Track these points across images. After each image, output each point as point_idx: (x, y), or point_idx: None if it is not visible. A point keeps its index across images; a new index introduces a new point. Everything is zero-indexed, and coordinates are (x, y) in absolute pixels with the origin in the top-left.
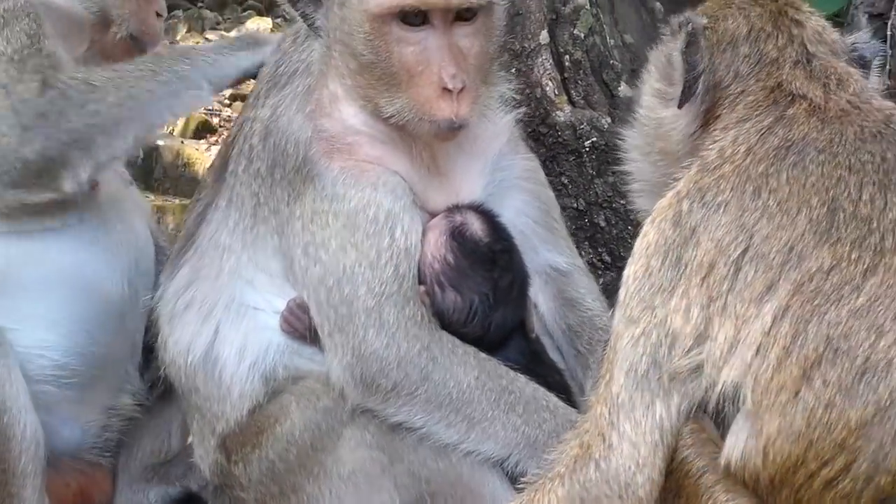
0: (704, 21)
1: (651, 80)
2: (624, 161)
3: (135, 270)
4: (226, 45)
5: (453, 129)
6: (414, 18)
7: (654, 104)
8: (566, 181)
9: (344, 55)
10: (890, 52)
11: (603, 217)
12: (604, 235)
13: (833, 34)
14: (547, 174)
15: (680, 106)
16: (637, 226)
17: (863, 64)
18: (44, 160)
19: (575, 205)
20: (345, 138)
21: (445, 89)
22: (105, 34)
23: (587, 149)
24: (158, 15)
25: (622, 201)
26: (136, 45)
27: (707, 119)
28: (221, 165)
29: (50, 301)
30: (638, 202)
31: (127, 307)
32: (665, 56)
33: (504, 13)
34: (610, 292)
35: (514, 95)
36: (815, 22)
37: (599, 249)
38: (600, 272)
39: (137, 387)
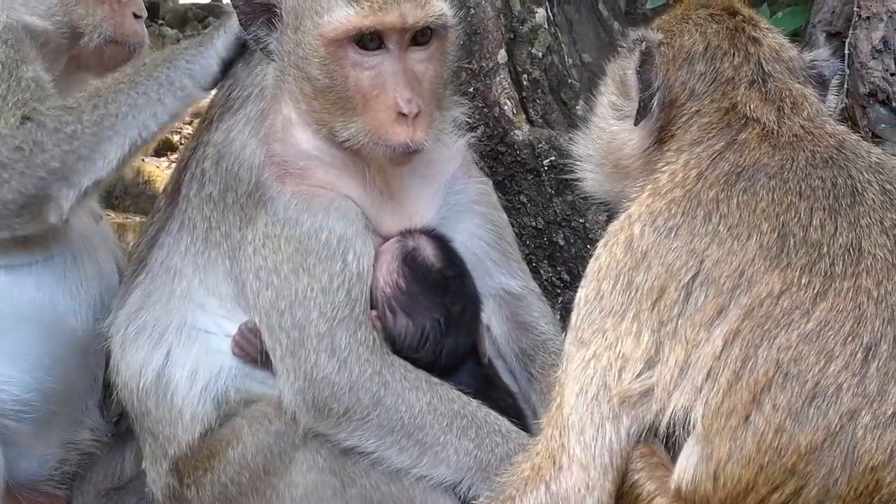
0: (660, 37)
1: (607, 93)
2: (575, 168)
3: (99, 305)
4: (204, 37)
5: (408, 154)
6: (369, 42)
7: (609, 117)
8: (525, 200)
9: (299, 79)
10: (847, 71)
11: (562, 236)
12: (563, 254)
13: (791, 51)
14: (505, 193)
15: (636, 123)
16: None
17: (821, 82)
18: (24, 198)
19: (534, 223)
20: (297, 163)
21: (401, 114)
22: (78, 46)
23: (546, 168)
24: (137, 16)
25: (581, 220)
26: (119, 49)
27: (661, 136)
28: (174, 189)
29: (13, 336)
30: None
31: (90, 342)
32: (621, 71)
33: (457, 38)
34: (569, 311)
35: (467, 119)
36: (773, 39)
37: (558, 268)
38: (559, 291)
39: (97, 421)
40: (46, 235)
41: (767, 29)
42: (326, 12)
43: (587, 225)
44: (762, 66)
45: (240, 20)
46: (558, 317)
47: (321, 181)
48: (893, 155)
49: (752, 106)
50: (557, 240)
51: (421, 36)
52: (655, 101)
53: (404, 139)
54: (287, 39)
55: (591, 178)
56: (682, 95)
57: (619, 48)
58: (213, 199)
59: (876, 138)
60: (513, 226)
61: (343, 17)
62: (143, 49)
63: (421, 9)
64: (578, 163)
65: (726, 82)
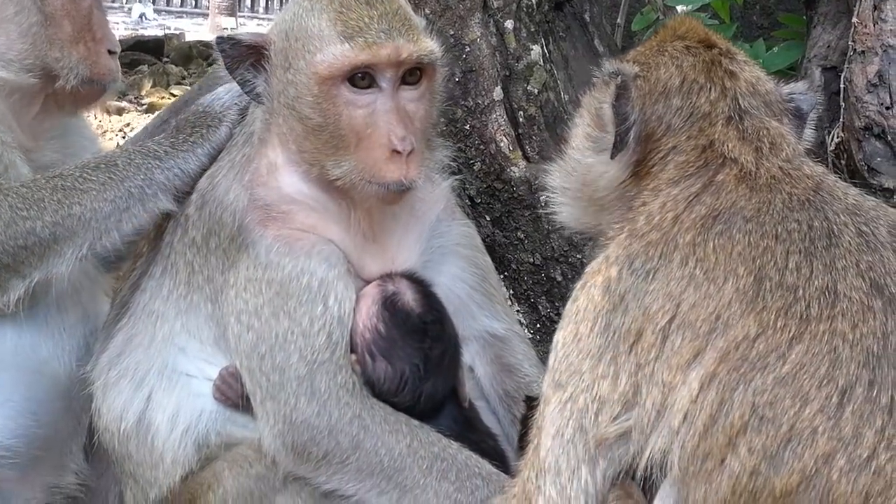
0: (636, 70)
1: (582, 125)
2: (550, 199)
3: (84, 349)
4: (185, 132)
5: (401, 191)
6: (361, 81)
7: (585, 149)
8: (522, 236)
9: (289, 119)
10: (843, 104)
11: (559, 271)
12: (560, 290)
13: (768, 84)
14: (503, 230)
15: (612, 157)
16: None
17: (798, 115)
18: None
19: (531, 259)
20: (280, 207)
21: (395, 151)
22: (54, 88)
23: (543, 204)
24: (111, 52)
25: (578, 255)
26: (93, 86)
27: (637, 170)
28: (156, 235)
29: None
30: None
31: (74, 387)
32: (596, 103)
33: (445, 79)
34: None
35: (451, 162)
36: (750, 73)
37: (556, 304)
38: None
39: (81, 465)
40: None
41: (744, 62)
42: (320, 51)
43: (584, 261)
44: (738, 102)
45: (226, 63)
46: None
47: (304, 225)
48: (887, 189)
49: (729, 146)
50: (555, 276)
51: (411, 75)
52: (632, 135)
53: (398, 177)
54: (277, 80)
55: (565, 210)
56: (659, 130)
57: (594, 80)
58: (197, 244)
59: (871, 172)
60: (511, 262)
61: (338, 54)
62: (116, 85)
63: (414, 44)
64: (553, 195)
65: (703, 118)
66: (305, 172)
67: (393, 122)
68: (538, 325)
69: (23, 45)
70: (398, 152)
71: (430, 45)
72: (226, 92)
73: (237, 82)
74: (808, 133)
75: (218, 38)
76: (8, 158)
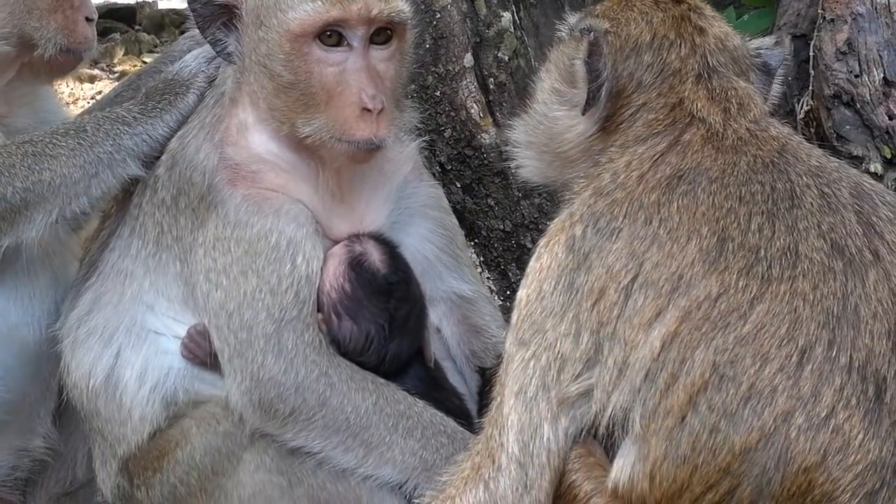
0: (606, 25)
1: (549, 80)
2: (514, 154)
3: (54, 314)
4: (154, 99)
5: (371, 149)
6: (331, 39)
7: (552, 103)
8: (492, 203)
9: (260, 77)
10: (812, 72)
11: (530, 238)
12: (530, 257)
13: (736, 40)
14: (473, 196)
15: (583, 113)
16: None
17: (766, 71)
18: None
19: (502, 226)
20: (249, 166)
21: (365, 109)
22: (31, 56)
23: (513, 171)
24: (89, 20)
25: (548, 223)
26: (69, 55)
27: (606, 125)
28: (125, 196)
29: None
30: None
31: (42, 352)
32: (566, 59)
33: (415, 40)
34: None
35: (418, 125)
36: (718, 28)
37: None
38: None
39: (49, 429)
40: None
41: (712, 16)
42: (291, 8)
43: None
44: (707, 60)
45: (197, 23)
46: None
47: (272, 184)
48: (856, 157)
49: (698, 104)
50: (525, 243)
51: (381, 35)
52: (604, 92)
53: (368, 135)
54: (248, 39)
55: (530, 164)
56: (630, 86)
57: (560, 34)
58: (166, 204)
59: (840, 139)
60: (481, 228)
61: (310, 10)
62: (91, 53)
63: (385, 3)
64: (517, 149)
65: (673, 74)
66: (275, 131)
67: (364, 80)
68: (508, 292)
69: (1, 14)
70: (368, 110)
71: (400, 5)
72: (193, 59)
73: (208, 41)
74: (776, 89)
75: None
76: None
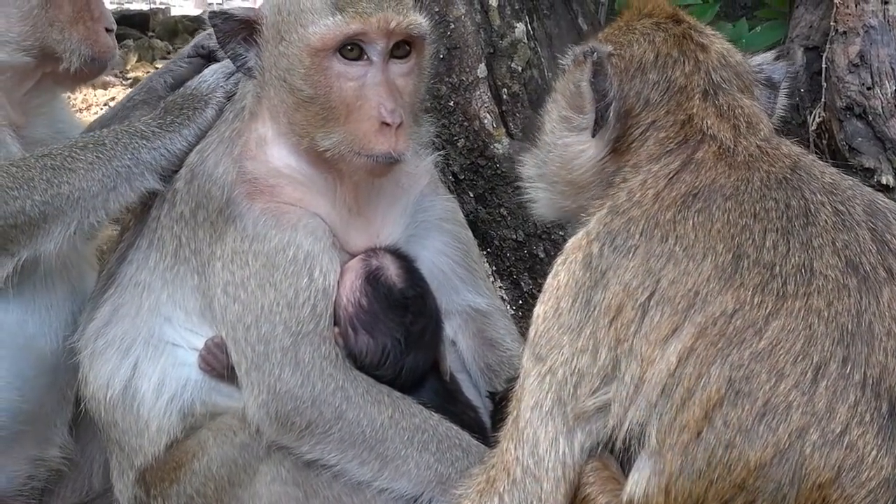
0: (609, 49)
1: (557, 109)
2: (525, 189)
3: (71, 325)
4: (172, 114)
5: (389, 163)
6: (352, 52)
7: (561, 131)
8: (505, 213)
9: (280, 92)
10: (825, 85)
11: (542, 248)
12: (543, 266)
13: (737, 56)
14: (486, 206)
15: (593, 134)
16: None
17: (771, 85)
18: None
19: (514, 236)
20: (267, 180)
21: (384, 124)
22: (56, 68)
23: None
24: (108, 30)
25: (561, 232)
26: (94, 65)
27: (617, 146)
28: (143, 210)
29: None
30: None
31: (59, 362)
32: (573, 84)
33: (433, 55)
34: None
35: (434, 139)
36: (720, 45)
37: (539, 280)
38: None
39: (65, 439)
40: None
41: (712, 34)
42: (312, 23)
43: (566, 237)
44: (711, 76)
45: (217, 38)
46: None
47: (290, 198)
48: (868, 169)
49: (708, 122)
50: (538, 252)
51: (401, 49)
52: (612, 112)
53: (387, 149)
54: (268, 54)
55: (543, 197)
56: (637, 105)
57: (562, 66)
58: (185, 218)
59: (852, 152)
60: (493, 238)
61: (330, 24)
62: (115, 61)
63: (403, 16)
64: (528, 184)
65: (679, 92)
66: (294, 145)
67: (383, 94)
68: (520, 302)
69: (23, 27)
70: (387, 124)
71: (419, 19)
72: (211, 74)
73: (228, 56)
74: (782, 102)
75: (210, 13)
76: (5, 135)
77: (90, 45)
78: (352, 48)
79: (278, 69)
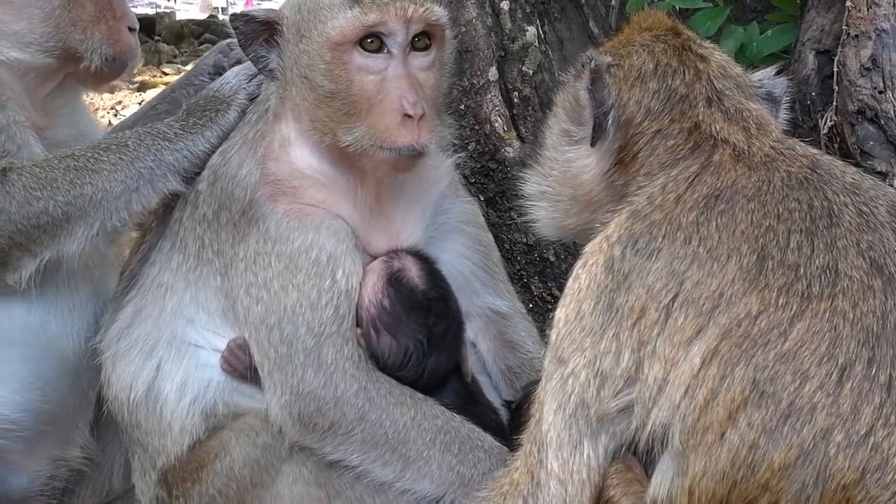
0: (609, 59)
1: (558, 123)
2: (527, 208)
3: (93, 326)
4: (195, 115)
5: (413, 156)
6: (372, 45)
7: (563, 145)
8: (515, 216)
9: (302, 90)
10: (836, 88)
11: (552, 252)
12: (553, 270)
13: (736, 69)
14: (496, 209)
15: (592, 143)
16: None
17: (771, 100)
18: None
19: (525, 239)
20: (290, 182)
21: (406, 116)
22: (78, 67)
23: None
24: (131, 29)
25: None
26: (115, 65)
27: (622, 157)
28: (165, 211)
29: (4, 358)
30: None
31: (81, 363)
32: (572, 96)
33: (452, 52)
34: None
35: (455, 140)
36: (719, 56)
37: (549, 284)
38: (550, 306)
39: (87, 440)
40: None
41: (712, 47)
42: (331, 18)
43: (577, 241)
44: (714, 84)
45: (239, 41)
46: (549, 331)
47: (313, 199)
48: (880, 173)
49: (717, 127)
50: (548, 256)
51: (421, 41)
52: (610, 119)
53: (409, 141)
54: (289, 53)
55: (545, 216)
56: (639, 114)
57: (561, 82)
58: (207, 219)
59: (864, 155)
60: (504, 242)
61: (349, 17)
62: (136, 61)
63: (422, 7)
64: (530, 202)
65: (681, 100)
66: (317, 145)
67: (404, 87)
68: (531, 305)
69: (45, 27)
70: (410, 116)
71: (437, 9)
72: (234, 76)
73: (250, 59)
74: (783, 116)
75: (231, 15)
76: (21, 138)
77: (112, 45)
78: (372, 40)
79: (299, 67)
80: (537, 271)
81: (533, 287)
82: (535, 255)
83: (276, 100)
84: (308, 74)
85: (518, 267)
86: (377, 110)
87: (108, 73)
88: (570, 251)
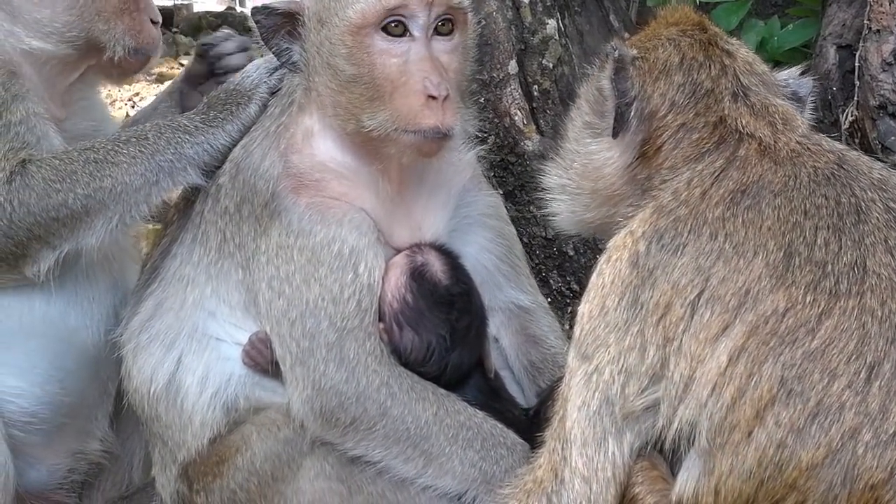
0: (634, 52)
1: (580, 115)
2: (547, 201)
3: (113, 318)
4: (216, 109)
5: (438, 138)
6: (394, 28)
7: (585, 138)
8: (535, 210)
9: (325, 77)
10: (857, 83)
11: (571, 246)
12: (572, 264)
13: (763, 66)
14: (515, 203)
15: (614, 135)
16: None
17: (796, 100)
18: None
19: (543, 234)
20: (313, 175)
21: (430, 97)
22: (100, 58)
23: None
24: (154, 21)
25: None
26: (138, 56)
27: (645, 150)
28: (186, 205)
29: (23, 350)
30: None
31: (101, 355)
32: (595, 88)
33: (475, 38)
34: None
35: (477, 133)
36: (745, 53)
37: (568, 278)
38: (569, 301)
39: (106, 433)
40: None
41: (738, 44)
42: (352, 3)
43: (597, 236)
44: (740, 79)
45: (261, 34)
46: (567, 326)
47: (335, 193)
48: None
49: (742, 121)
50: (567, 250)
51: (443, 26)
52: (633, 110)
53: (434, 122)
54: (311, 43)
55: (565, 209)
56: (663, 107)
57: (585, 74)
58: (229, 212)
59: (885, 150)
60: (523, 236)
61: (370, 0)
62: (158, 52)
63: None
64: (550, 195)
65: (707, 94)
66: (340, 136)
67: (427, 68)
68: (550, 300)
69: (69, 17)
70: (434, 97)
71: None
72: (255, 69)
73: (273, 52)
74: (808, 116)
75: (253, 9)
76: (41, 130)
77: (134, 36)
78: (395, 24)
79: (321, 55)
80: (556, 265)
81: (552, 281)
82: (553, 249)
83: (301, 92)
84: (330, 61)
85: (537, 261)
86: (401, 93)
87: (131, 65)
88: (590, 246)
